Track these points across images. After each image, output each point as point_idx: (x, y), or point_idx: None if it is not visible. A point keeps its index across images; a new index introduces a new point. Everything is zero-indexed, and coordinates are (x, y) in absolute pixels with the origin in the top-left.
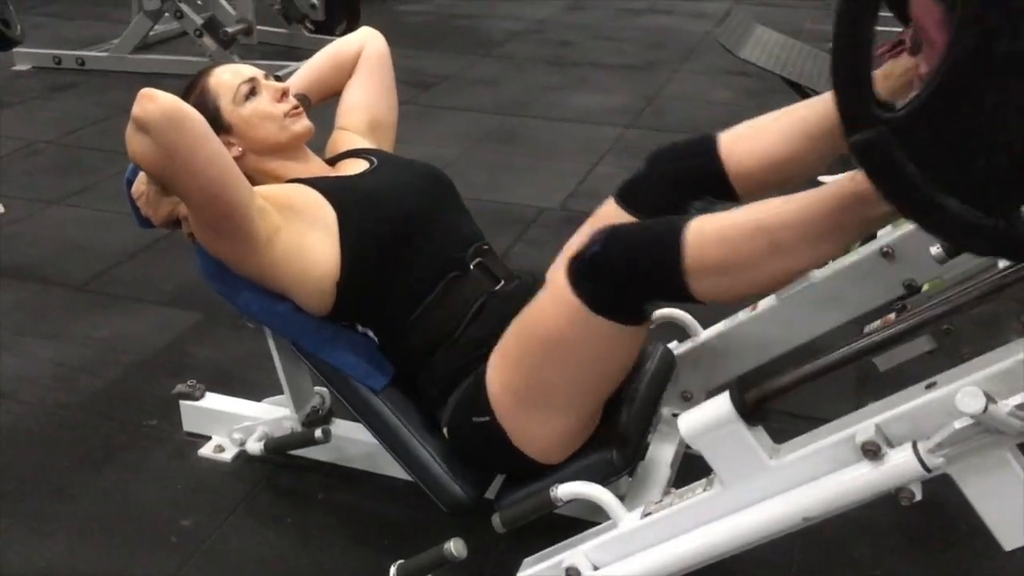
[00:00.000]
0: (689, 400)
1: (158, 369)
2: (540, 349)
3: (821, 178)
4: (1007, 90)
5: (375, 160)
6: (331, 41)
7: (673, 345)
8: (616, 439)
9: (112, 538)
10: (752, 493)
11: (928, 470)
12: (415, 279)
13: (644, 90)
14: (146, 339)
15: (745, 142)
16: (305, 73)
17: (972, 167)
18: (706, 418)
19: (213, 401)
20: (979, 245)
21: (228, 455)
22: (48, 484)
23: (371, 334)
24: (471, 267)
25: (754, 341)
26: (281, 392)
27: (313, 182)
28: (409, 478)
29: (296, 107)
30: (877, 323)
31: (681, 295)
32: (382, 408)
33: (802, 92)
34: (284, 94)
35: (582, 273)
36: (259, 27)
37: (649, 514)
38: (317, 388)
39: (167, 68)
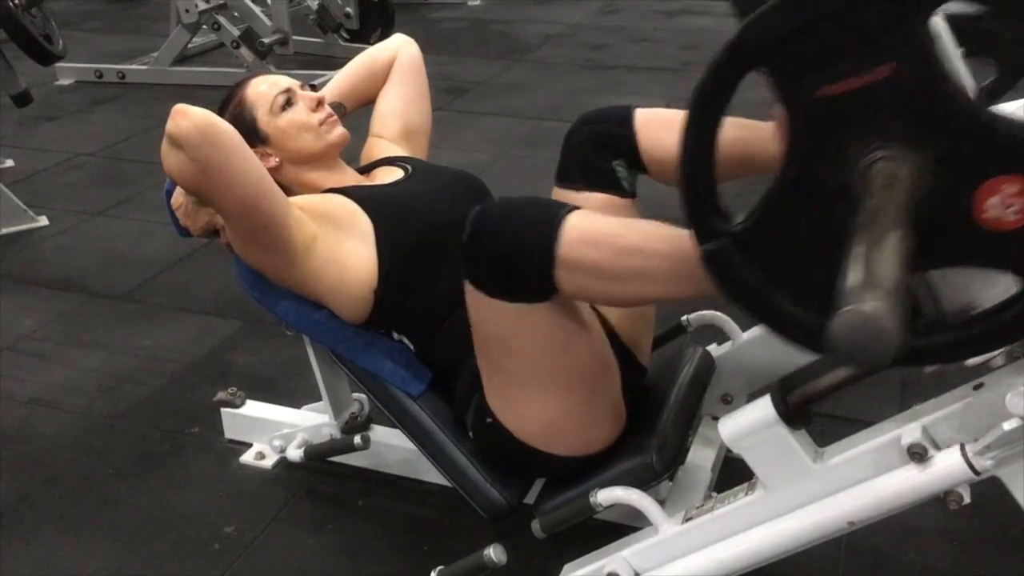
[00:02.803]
0: (730, 403)
1: (199, 377)
2: (485, 343)
3: None
4: (825, 212)
5: (410, 168)
6: (366, 49)
7: (712, 348)
8: (656, 444)
9: (156, 546)
10: (795, 497)
11: (976, 473)
12: (450, 286)
13: (679, 92)
14: (187, 348)
15: (660, 129)
16: (340, 81)
17: (802, 276)
18: (748, 422)
19: (253, 408)
20: (812, 345)
21: (269, 462)
22: (94, 493)
23: (406, 341)
24: None
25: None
26: (320, 399)
27: (348, 191)
28: (448, 484)
29: (331, 116)
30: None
31: (546, 284)
32: (420, 414)
33: None
34: (319, 103)
35: (465, 259)
36: (295, 37)
37: (690, 519)
38: (355, 395)
39: (205, 80)
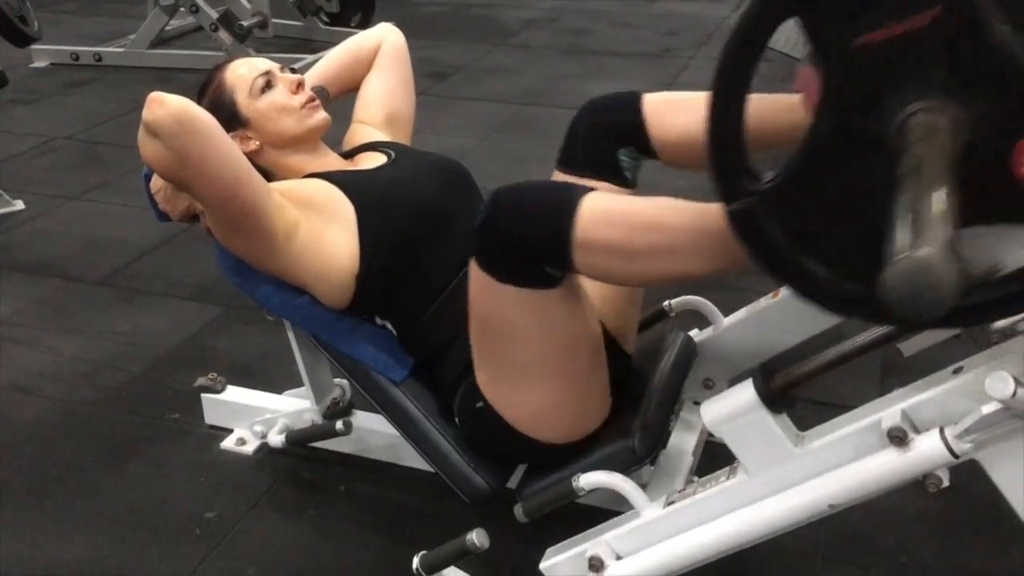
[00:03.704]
0: (711, 388)
1: (179, 363)
2: (485, 328)
3: None
4: (861, 166)
5: (393, 153)
6: (346, 33)
7: (694, 333)
8: (638, 428)
9: (137, 532)
10: (777, 481)
11: (956, 456)
12: (433, 272)
13: (660, 77)
14: (167, 333)
15: (669, 112)
16: (324, 66)
17: (833, 236)
18: (730, 406)
19: (234, 394)
20: (842, 308)
21: (250, 448)
22: (74, 479)
23: (390, 327)
24: None
25: (776, 327)
26: (301, 385)
27: (330, 176)
28: (430, 469)
29: (312, 99)
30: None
31: (564, 264)
32: (403, 399)
33: None
34: (300, 86)
35: (477, 243)
36: (274, 20)
37: (672, 503)
38: (337, 380)
39: (183, 63)
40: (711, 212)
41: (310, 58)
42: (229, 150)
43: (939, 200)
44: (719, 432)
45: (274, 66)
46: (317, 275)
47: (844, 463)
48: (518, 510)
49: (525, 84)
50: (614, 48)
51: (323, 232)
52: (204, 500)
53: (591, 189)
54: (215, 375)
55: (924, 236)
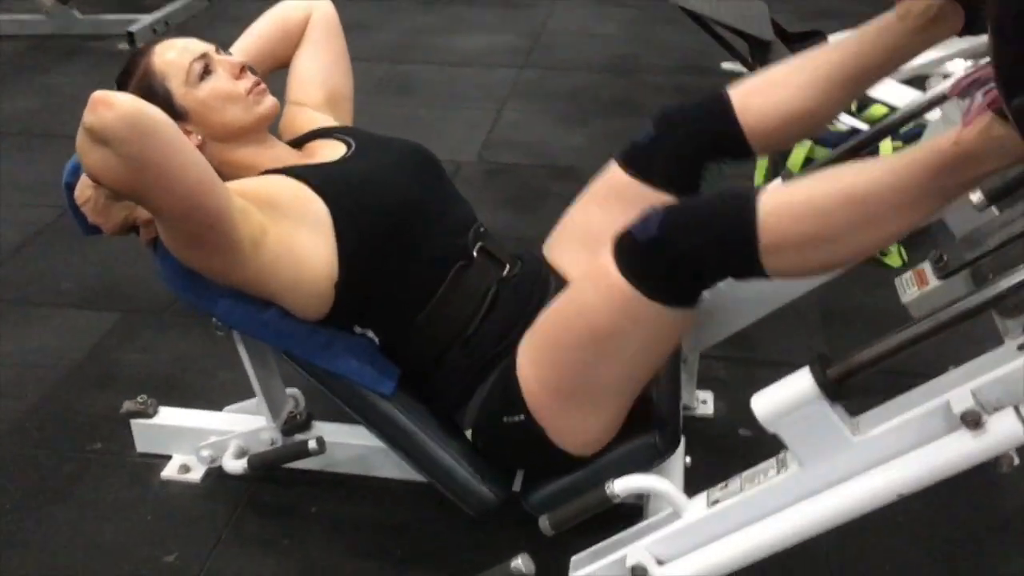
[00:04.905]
0: (685, 363)
1: (85, 383)
2: (588, 343)
3: None
4: None
5: (352, 141)
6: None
7: None
8: (655, 421)
9: None
10: (835, 471)
11: None
12: (420, 273)
13: (526, 27)
14: (62, 350)
15: (759, 97)
16: (249, 42)
17: None
18: (785, 399)
19: (168, 416)
20: None
21: (196, 475)
22: None
23: (371, 334)
24: (475, 254)
25: (748, 299)
26: (236, 397)
27: (292, 171)
28: (404, 478)
29: (259, 83)
30: (909, 275)
31: (753, 273)
32: (395, 414)
33: (743, 37)
34: (243, 69)
35: (637, 260)
36: None
37: (717, 502)
38: (289, 390)
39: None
40: (904, 160)
41: (145, 18)
42: (191, 154)
43: None
44: (772, 427)
45: (208, 47)
46: (290, 286)
47: (907, 449)
48: (544, 523)
49: (389, 40)
50: None
51: (294, 238)
52: (157, 542)
53: (758, 189)
54: (144, 397)
55: None
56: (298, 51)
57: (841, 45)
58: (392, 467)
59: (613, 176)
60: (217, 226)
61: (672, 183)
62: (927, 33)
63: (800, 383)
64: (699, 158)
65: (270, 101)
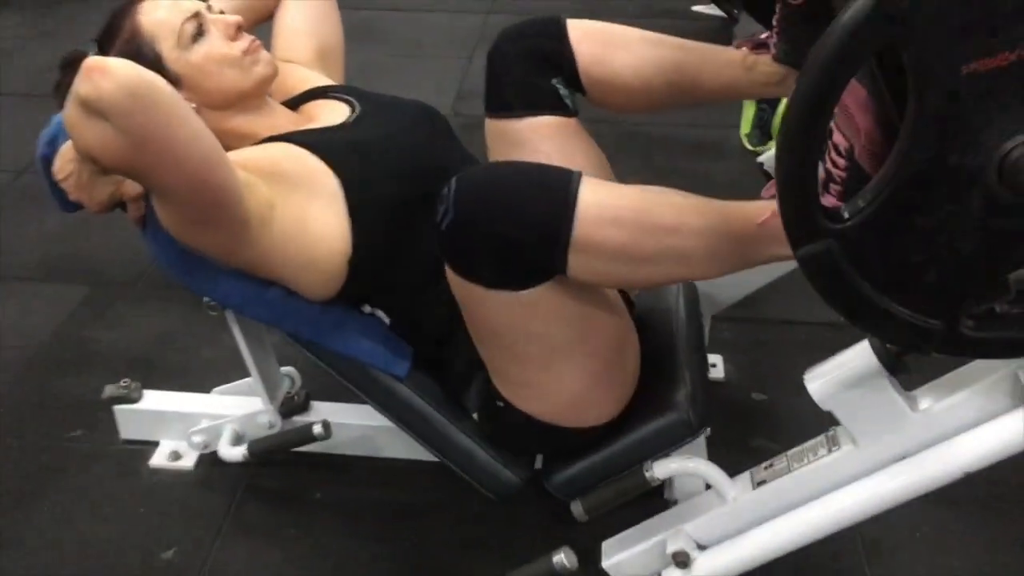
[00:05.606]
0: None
1: (57, 364)
2: (492, 335)
3: None
4: (957, 201)
5: (356, 102)
6: None
7: None
8: (685, 395)
9: None
10: (891, 450)
11: None
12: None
13: None
14: (29, 328)
15: (598, 45)
16: None
17: (920, 276)
18: (844, 374)
19: (154, 400)
20: (923, 347)
21: (189, 462)
22: None
23: (380, 313)
24: None
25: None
26: (223, 375)
27: (295, 138)
28: (409, 458)
29: (255, 43)
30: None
31: (552, 268)
32: (411, 397)
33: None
34: (239, 29)
35: (447, 249)
36: None
37: (763, 483)
38: (284, 369)
39: None
40: (735, 213)
41: None
42: (196, 126)
43: None
44: (828, 404)
45: (199, 4)
46: (302, 265)
47: (969, 425)
48: (577, 508)
49: None
50: None
51: (306, 212)
52: (153, 536)
53: (579, 174)
54: (128, 381)
55: None
56: (283, 3)
57: (692, 51)
58: (398, 447)
59: (490, 131)
60: (224, 203)
61: (531, 105)
62: (767, 89)
63: (860, 358)
64: (541, 69)
65: (267, 62)
